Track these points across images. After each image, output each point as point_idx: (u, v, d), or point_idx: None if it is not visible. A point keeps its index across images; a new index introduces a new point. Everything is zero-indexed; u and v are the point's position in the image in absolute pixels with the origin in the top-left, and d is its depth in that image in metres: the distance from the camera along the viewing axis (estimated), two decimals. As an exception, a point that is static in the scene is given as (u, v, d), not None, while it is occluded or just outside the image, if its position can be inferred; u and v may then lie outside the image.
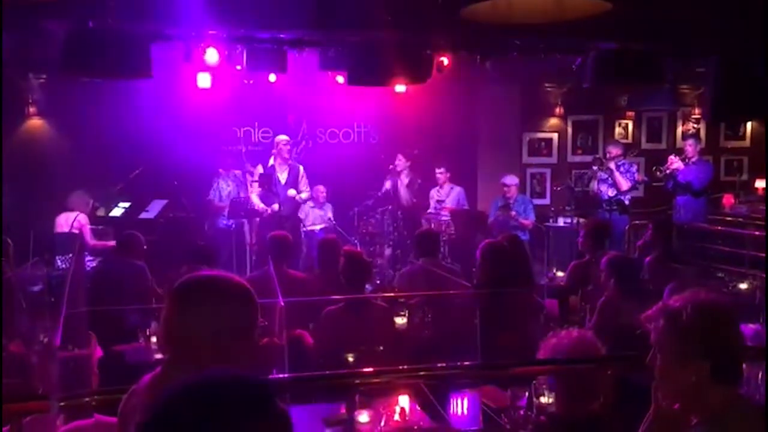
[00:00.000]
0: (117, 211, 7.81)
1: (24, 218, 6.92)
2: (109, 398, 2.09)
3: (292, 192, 8.03)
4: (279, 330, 3.52)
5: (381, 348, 4.11)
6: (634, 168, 8.60)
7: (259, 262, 6.97)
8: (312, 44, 6.88)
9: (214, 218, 8.38)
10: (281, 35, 6.61)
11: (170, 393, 1.16)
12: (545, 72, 8.62)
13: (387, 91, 7.98)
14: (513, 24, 4.02)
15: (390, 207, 8.49)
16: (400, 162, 8.56)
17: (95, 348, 3.31)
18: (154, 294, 5.16)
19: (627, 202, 8.39)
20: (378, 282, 7.40)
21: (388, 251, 8.50)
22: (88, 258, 7.27)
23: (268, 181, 7.83)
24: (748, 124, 10.49)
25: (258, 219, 8.09)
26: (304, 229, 8.38)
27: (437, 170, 8.68)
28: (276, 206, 7.79)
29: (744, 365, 2.23)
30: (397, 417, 3.20)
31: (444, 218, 8.35)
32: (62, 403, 1.94)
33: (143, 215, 7.64)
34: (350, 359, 3.79)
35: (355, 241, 8.14)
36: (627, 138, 10.14)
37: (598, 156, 8.96)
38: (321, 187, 8.66)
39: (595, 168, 8.57)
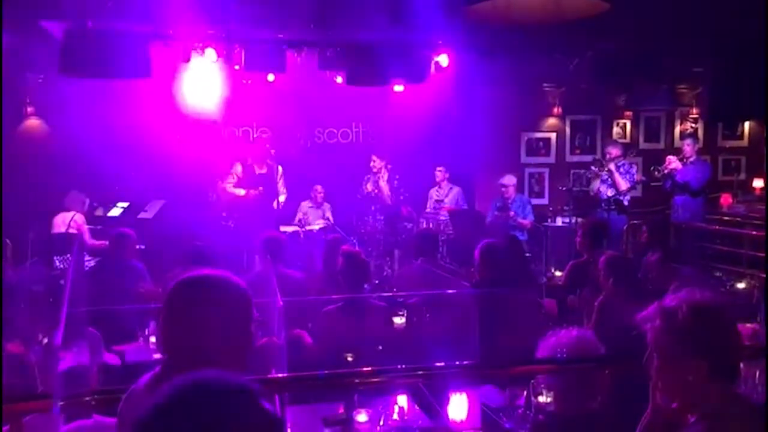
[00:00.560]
0: (115, 212, 7.80)
1: (22, 218, 6.91)
2: (109, 398, 2.09)
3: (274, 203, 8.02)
4: (277, 329, 3.52)
5: (380, 347, 4.12)
6: (634, 169, 8.61)
7: (255, 262, 6.94)
8: (311, 44, 6.89)
9: (212, 218, 8.37)
10: (280, 35, 6.62)
11: (159, 396, 1.17)
12: (544, 72, 8.63)
13: (385, 91, 7.99)
14: (512, 24, 4.03)
15: (374, 207, 8.49)
16: (375, 162, 8.55)
17: (101, 348, 3.32)
18: (152, 294, 5.16)
19: (626, 203, 8.40)
20: (377, 282, 7.40)
21: (384, 251, 8.50)
22: (87, 258, 7.27)
23: (270, 181, 7.82)
24: (746, 124, 10.50)
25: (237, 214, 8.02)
26: (303, 228, 8.39)
27: (437, 168, 8.69)
28: (257, 190, 7.74)
29: (741, 364, 2.24)
30: (395, 416, 3.21)
31: (442, 218, 8.36)
32: (61, 403, 1.94)
33: (141, 215, 7.63)
34: (349, 359, 3.80)
35: (354, 241, 8.15)
36: (625, 138, 10.15)
37: (597, 158, 8.97)
38: (319, 187, 8.67)
39: (594, 169, 8.58)
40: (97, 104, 7.86)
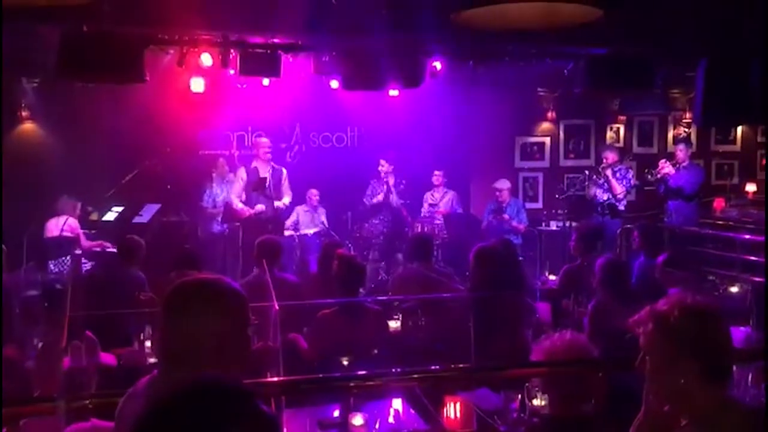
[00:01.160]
0: (110, 216, 7.78)
1: (17, 223, 6.89)
2: (106, 401, 2.10)
3: (278, 203, 8.02)
4: (273, 334, 3.53)
5: (375, 351, 4.14)
6: (630, 173, 8.66)
7: (247, 267, 6.94)
8: (306, 49, 6.91)
9: (207, 223, 8.37)
10: (275, 40, 6.63)
11: (159, 399, 1.19)
12: (538, 77, 8.67)
13: (380, 95, 8.01)
14: (506, 30, 4.05)
15: (381, 211, 8.52)
16: (383, 167, 8.58)
17: (98, 352, 3.33)
18: (151, 302, 5.15)
19: (621, 207, 8.44)
20: (372, 286, 7.42)
21: (380, 255, 8.53)
22: (83, 260, 7.26)
23: (262, 185, 7.83)
24: (738, 128, 10.57)
25: (239, 223, 7.99)
26: (298, 233, 8.39)
27: (435, 173, 8.72)
28: (261, 206, 7.77)
29: (734, 367, 2.26)
30: (391, 420, 3.23)
31: (437, 222, 8.39)
32: (60, 406, 1.95)
33: (136, 219, 7.62)
34: (345, 362, 3.81)
35: (349, 245, 8.16)
36: (618, 142, 10.19)
37: (594, 166, 9.01)
38: (314, 191, 8.68)
39: (588, 173, 8.63)
40: (92, 108, 7.85)
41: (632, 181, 8.58)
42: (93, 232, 7.68)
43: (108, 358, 3.93)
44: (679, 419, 1.95)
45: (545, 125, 10.16)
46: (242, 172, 8.06)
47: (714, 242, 8.09)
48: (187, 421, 1.15)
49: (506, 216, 8.33)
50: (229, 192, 8.17)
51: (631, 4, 4.95)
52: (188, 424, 1.14)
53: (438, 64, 7.50)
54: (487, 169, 9.48)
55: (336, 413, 3.29)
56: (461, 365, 3.11)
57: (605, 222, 8.08)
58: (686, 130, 10.27)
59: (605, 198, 8.37)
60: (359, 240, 8.45)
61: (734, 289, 6.23)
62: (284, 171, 8.24)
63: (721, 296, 6.02)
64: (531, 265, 7.13)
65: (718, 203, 9.50)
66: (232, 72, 6.91)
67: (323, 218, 8.65)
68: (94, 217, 7.79)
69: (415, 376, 2.72)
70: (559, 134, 10.22)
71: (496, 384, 3.25)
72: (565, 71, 7.61)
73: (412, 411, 3.32)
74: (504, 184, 8.52)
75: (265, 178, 7.93)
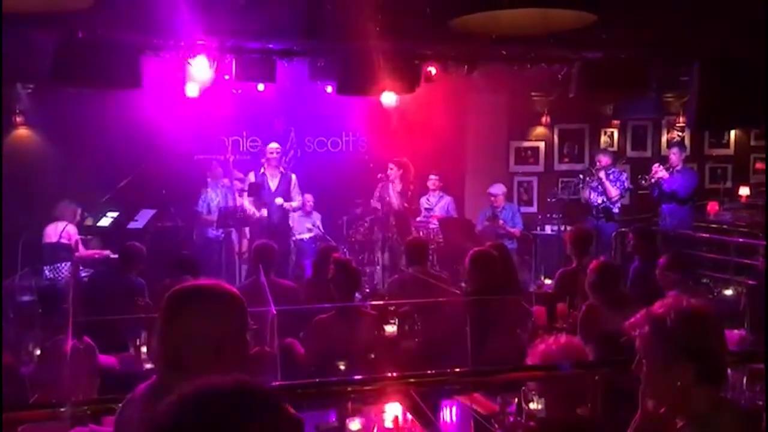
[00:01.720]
0: (105, 221, 7.77)
1: (12, 228, 6.87)
2: (104, 407, 2.10)
3: (279, 200, 8.05)
4: (270, 338, 3.54)
5: (372, 356, 4.14)
6: (624, 176, 8.69)
7: (251, 272, 6.97)
8: (301, 54, 6.91)
9: (202, 228, 8.36)
10: (270, 45, 6.64)
11: (177, 403, 1.16)
12: (532, 82, 8.70)
13: (375, 100, 8.03)
14: (501, 35, 4.08)
15: (381, 215, 8.51)
16: (392, 171, 8.59)
17: (97, 357, 3.32)
18: (149, 308, 5.13)
19: (616, 210, 8.47)
20: (367, 290, 7.42)
21: (378, 259, 8.52)
22: (80, 268, 7.24)
23: (257, 190, 7.84)
24: (732, 132, 10.62)
25: (248, 228, 8.07)
26: (293, 238, 8.40)
27: (431, 176, 8.72)
28: (264, 211, 7.80)
29: (728, 369, 2.28)
30: (388, 424, 3.22)
31: (433, 226, 8.39)
32: (63, 410, 1.95)
33: (132, 225, 7.60)
34: (341, 367, 3.81)
35: (344, 250, 8.16)
36: (612, 146, 10.24)
37: (588, 168, 9.04)
38: (309, 196, 8.69)
39: (582, 176, 8.66)
40: (87, 114, 7.84)
41: (626, 184, 8.62)
42: (88, 237, 7.67)
43: (109, 360, 3.93)
44: (675, 421, 1.96)
45: (539, 129, 10.19)
46: (251, 177, 8.10)
47: (708, 245, 8.13)
48: (217, 422, 1.12)
49: (501, 221, 8.35)
50: (225, 196, 8.19)
51: (624, 9, 4.98)
52: (217, 426, 1.12)
53: (433, 69, 7.52)
54: (482, 173, 9.49)
55: (333, 418, 3.29)
56: (458, 369, 3.11)
57: (600, 225, 8.10)
58: (680, 134, 10.33)
59: (600, 201, 8.41)
60: (355, 244, 8.45)
61: (728, 292, 6.27)
62: (293, 176, 8.28)
63: (715, 299, 6.05)
64: (526, 269, 7.15)
65: (712, 207, 9.55)
66: (227, 77, 6.91)
67: (318, 223, 8.66)
68: (89, 222, 7.78)
69: (412, 380, 2.73)
70: (553, 138, 10.25)
71: (492, 388, 3.26)
72: (560, 76, 7.64)
73: (409, 415, 3.32)
74: (499, 189, 8.53)
75: (260, 183, 7.95)
